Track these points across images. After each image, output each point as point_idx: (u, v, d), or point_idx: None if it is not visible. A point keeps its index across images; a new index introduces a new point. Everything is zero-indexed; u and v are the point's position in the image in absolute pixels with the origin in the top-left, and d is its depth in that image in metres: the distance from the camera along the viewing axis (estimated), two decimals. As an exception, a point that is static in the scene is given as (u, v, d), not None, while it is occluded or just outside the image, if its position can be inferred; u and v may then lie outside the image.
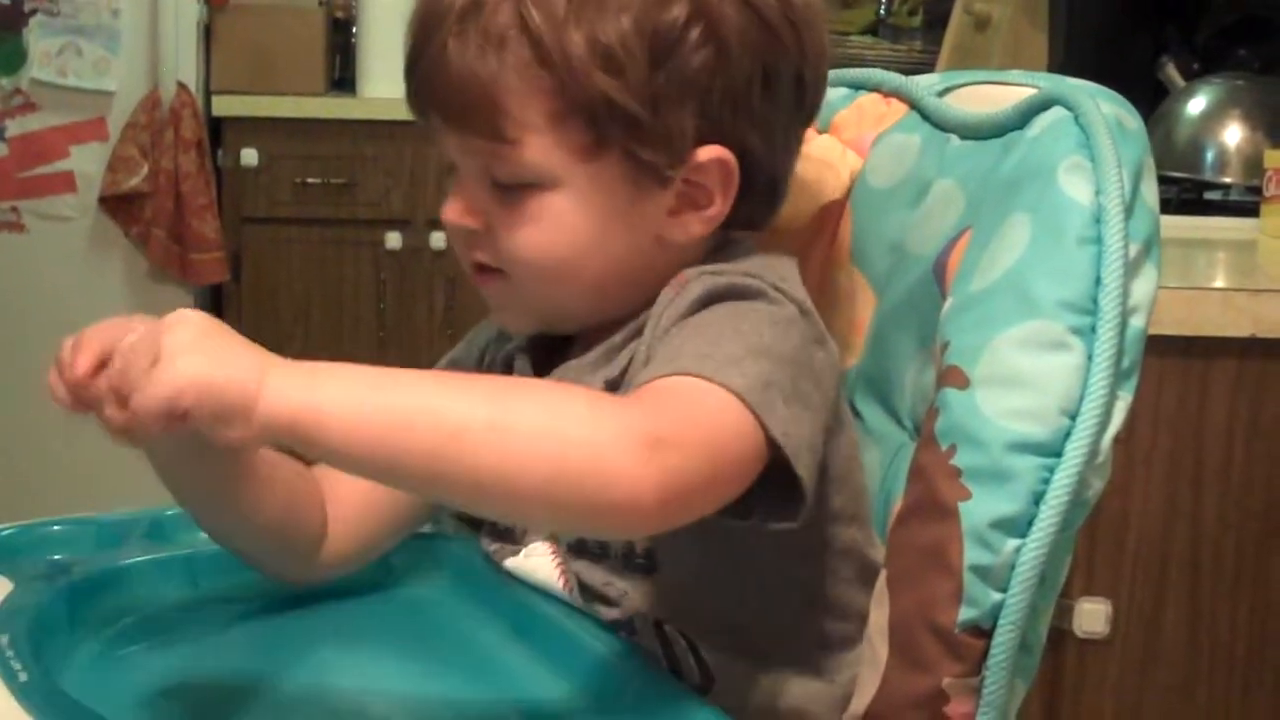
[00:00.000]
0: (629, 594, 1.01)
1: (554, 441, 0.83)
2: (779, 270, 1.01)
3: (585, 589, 1.02)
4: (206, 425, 0.80)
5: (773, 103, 1.03)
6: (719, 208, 1.03)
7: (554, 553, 1.04)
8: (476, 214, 1.01)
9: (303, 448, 0.82)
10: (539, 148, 0.98)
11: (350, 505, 1.08)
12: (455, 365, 1.15)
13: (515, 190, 0.99)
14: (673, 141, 1.00)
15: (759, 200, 1.05)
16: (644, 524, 0.87)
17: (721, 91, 1.00)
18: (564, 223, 1.00)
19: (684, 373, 0.89)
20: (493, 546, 1.10)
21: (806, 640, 1.03)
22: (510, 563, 1.06)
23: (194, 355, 0.80)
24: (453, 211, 1.02)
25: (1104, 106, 1.00)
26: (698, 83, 0.99)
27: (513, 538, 1.08)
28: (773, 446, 0.89)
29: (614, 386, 1.00)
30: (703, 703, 0.93)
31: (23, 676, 0.89)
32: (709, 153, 1.01)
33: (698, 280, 0.98)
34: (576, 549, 1.04)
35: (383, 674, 1.01)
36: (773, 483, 0.91)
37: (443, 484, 0.84)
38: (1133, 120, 1.02)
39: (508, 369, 1.09)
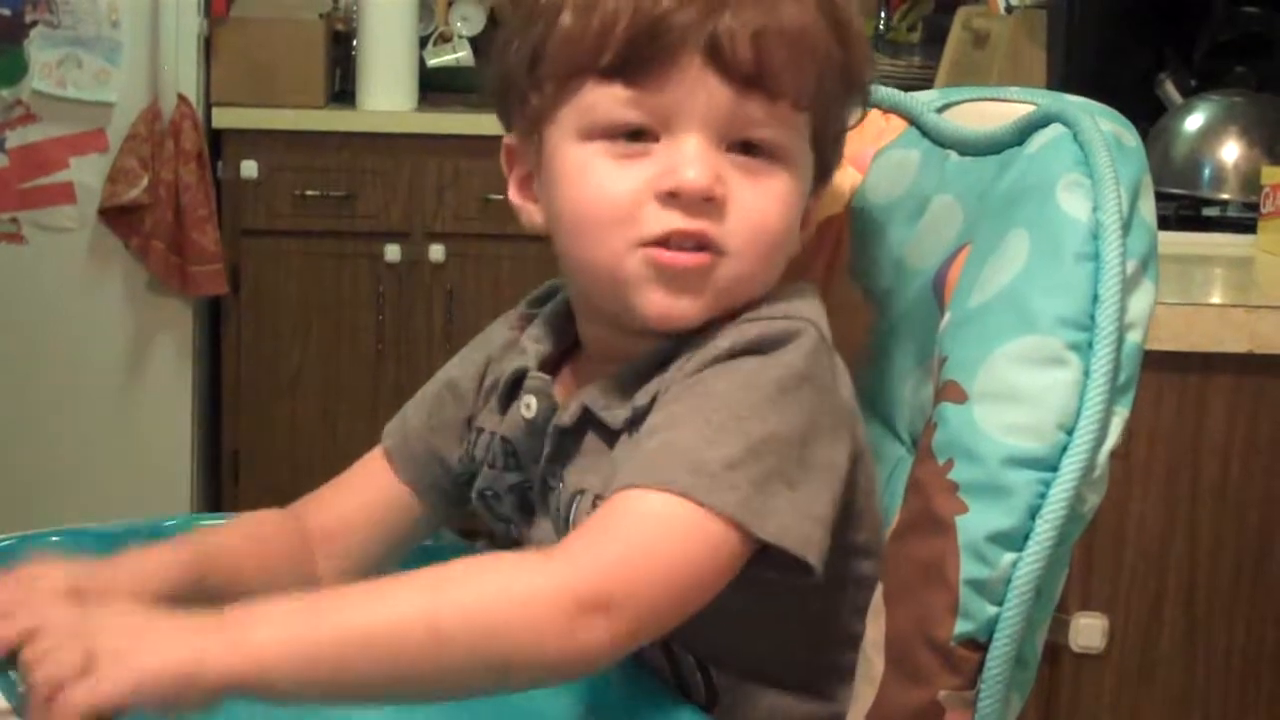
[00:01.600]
0: None
1: (492, 632, 0.85)
2: (807, 301, 1.02)
3: None
4: (156, 711, 0.81)
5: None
6: (811, 230, 1.07)
7: None
8: (723, 182, 0.97)
9: (259, 698, 0.83)
10: (805, 120, 1.00)
11: (341, 541, 1.11)
12: (453, 385, 1.14)
13: (755, 161, 0.98)
14: (840, 153, 1.06)
15: None
16: (600, 669, 0.89)
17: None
18: (795, 199, 1.01)
19: (666, 488, 0.90)
20: None
21: (817, 669, 1.03)
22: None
23: (128, 656, 0.80)
24: (702, 177, 0.96)
25: (1103, 124, 1.01)
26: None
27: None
28: (771, 545, 0.92)
29: (639, 419, 0.99)
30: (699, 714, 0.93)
31: (21, 687, 0.89)
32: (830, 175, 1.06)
33: (730, 332, 0.98)
34: None
35: None
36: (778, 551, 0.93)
37: (398, 694, 0.87)
38: (1131, 138, 1.02)
39: (516, 384, 1.07)
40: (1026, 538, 0.94)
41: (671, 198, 0.96)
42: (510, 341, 1.12)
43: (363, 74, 3.55)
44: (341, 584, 1.06)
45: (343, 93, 3.67)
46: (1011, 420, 0.95)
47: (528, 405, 1.05)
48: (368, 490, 1.14)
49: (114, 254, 3.41)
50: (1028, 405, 0.95)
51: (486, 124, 3.52)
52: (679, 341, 1.00)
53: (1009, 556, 0.94)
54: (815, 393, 0.96)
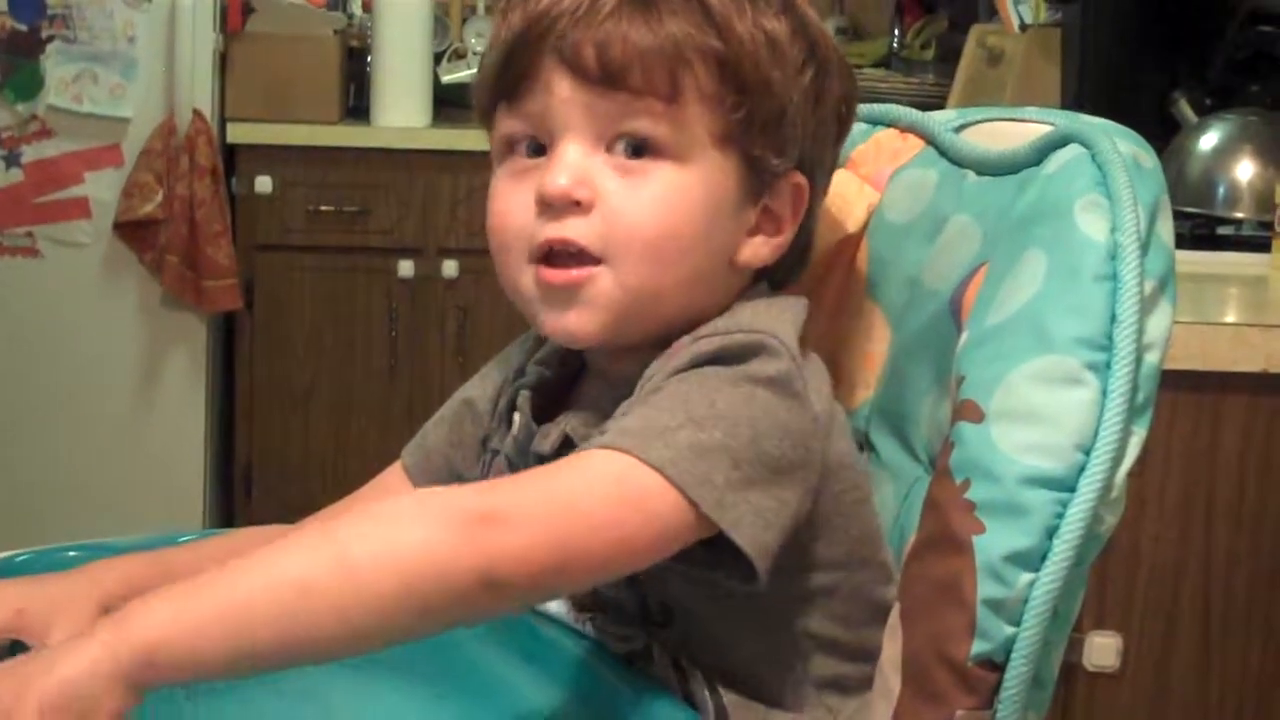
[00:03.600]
0: (647, 644, 1.02)
1: (395, 551, 0.83)
2: (776, 316, 1.01)
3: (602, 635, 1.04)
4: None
5: (839, 142, 1.08)
6: (785, 237, 1.05)
7: (569, 611, 1.05)
8: (587, 185, 0.99)
9: (170, 679, 0.81)
10: (690, 115, 0.99)
11: None
12: (470, 404, 1.15)
13: (640, 159, 0.99)
14: (785, 154, 1.03)
15: (797, 246, 1.07)
16: (500, 601, 0.86)
17: (818, 117, 1.04)
18: (685, 199, 1.00)
19: (614, 447, 0.90)
20: None
21: (821, 683, 1.03)
22: None
23: (25, 688, 0.78)
24: (562, 181, 0.98)
25: (1121, 145, 1.01)
26: (813, 101, 1.03)
27: None
28: (714, 521, 0.90)
29: None
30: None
31: None
32: (794, 176, 1.04)
33: (688, 349, 0.98)
34: (590, 605, 1.05)
35: (387, 694, 1.01)
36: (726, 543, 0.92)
37: (319, 645, 0.83)
38: (1149, 159, 1.02)
39: (510, 411, 1.08)
40: (1044, 558, 0.94)
41: (546, 206, 0.99)
42: (523, 366, 1.13)
43: (377, 90, 3.56)
44: None
45: (357, 108, 3.67)
46: (1029, 440, 0.95)
47: (515, 424, 1.07)
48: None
49: (128, 269, 3.41)
50: (1045, 425, 0.95)
51: (500, 140, 3.55)
52: (647, 361, 1.00)
53: (1026, 576, 0.94)
54: (778, 397, 0.96)
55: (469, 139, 3.54)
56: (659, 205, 0.99)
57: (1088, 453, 0.95)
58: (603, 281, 0.99)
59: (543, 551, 0.86)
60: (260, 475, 3.54)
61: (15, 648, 1.00)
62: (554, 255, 0.99)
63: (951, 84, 3.08)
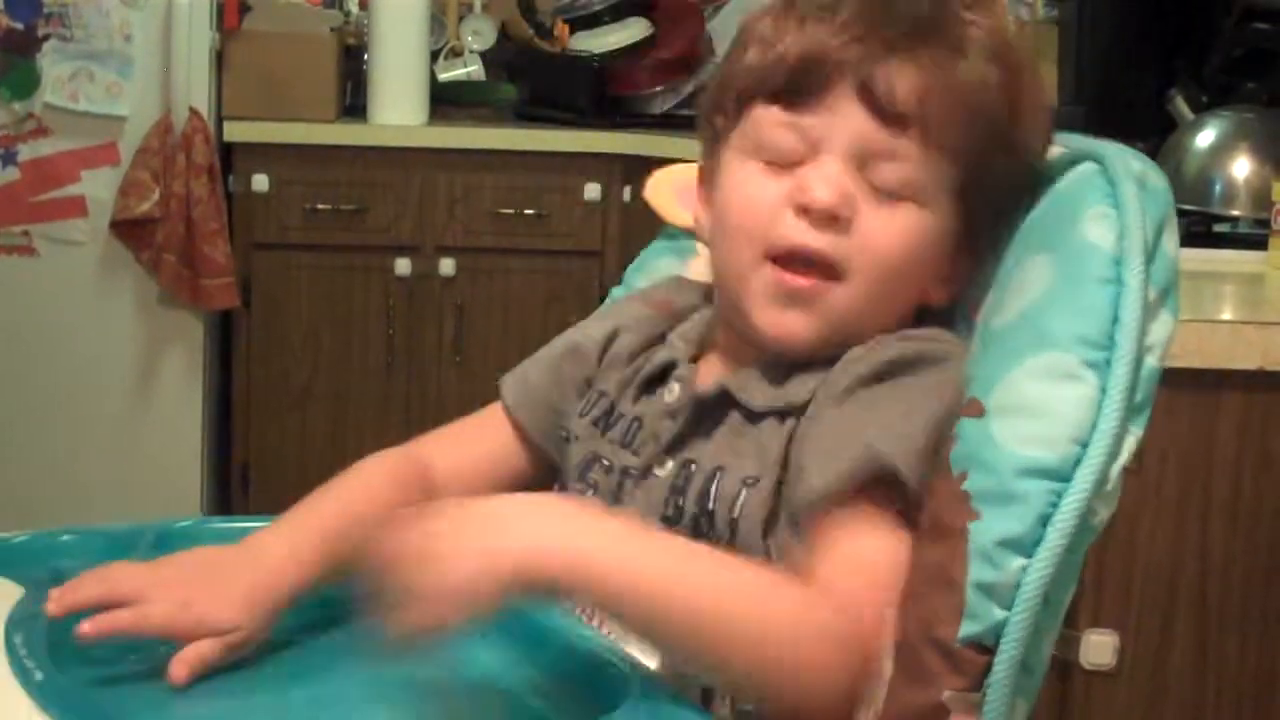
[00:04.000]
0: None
1: (790, 646, 0.93)
2: (951, 338, 1.07)
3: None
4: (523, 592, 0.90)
5: None
6: (960, 287, 1.10)
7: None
8: (850, 204, 1.04)
9: (567, 592, 0.92)
10: (947, 167, 1.05)
11: (463, 487, 1.17)
12: (575, 348, 1.20)
13: (888, 195, 1.04)
14: (1000, 216, 1.08)
15: None
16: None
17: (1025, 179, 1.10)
18: (924, 240, 1.06)
19: (856, 482, 0.98)
20: None
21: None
22: None
23: (509, 528, 0.90)
24: (829, 195, 1.03)
25: (1132, 163, 1.04)
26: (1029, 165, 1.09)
27: None
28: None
29: (790, 413, 1.05)
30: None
31: (38, 675, 0.90)
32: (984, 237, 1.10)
33: (894, 345, 1.04)
34: None
35: (390, 689, 1.01)
36: None
37: (676, 650, 0.95)
38: (1159, 179, 1.06)
39: (661, 374, 1.12)
40: (1037, 544, 0.96)
41: (803, 211, 1.04)
42: (644, 318, 1.18)
43: (374, 88, 3.56)
44: None
45: (354, 106, 3.67)
46: (1026, 432, 0.97)
47: (670, 391, 1.11)
48: (486, 440, 1.21)
49: (125, 267, 3.41)
50: (1043, 418, 0.97)
51: (497, 139, 3.55)
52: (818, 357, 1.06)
53: (1018, 561, 0.95)
54: (958, 394, 1.03)
55: (465, 137, 3.54)
56: (906, 240, 1.05)
57: (1084, 445, 0.97)
58: (837, 296, 1.05)
59: (856, 675, 0.96)
60: (257, 473, 3.54)
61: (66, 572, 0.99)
62: (793, 258, 1.05)
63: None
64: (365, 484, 1.15)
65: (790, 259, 1.05)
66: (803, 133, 1.05)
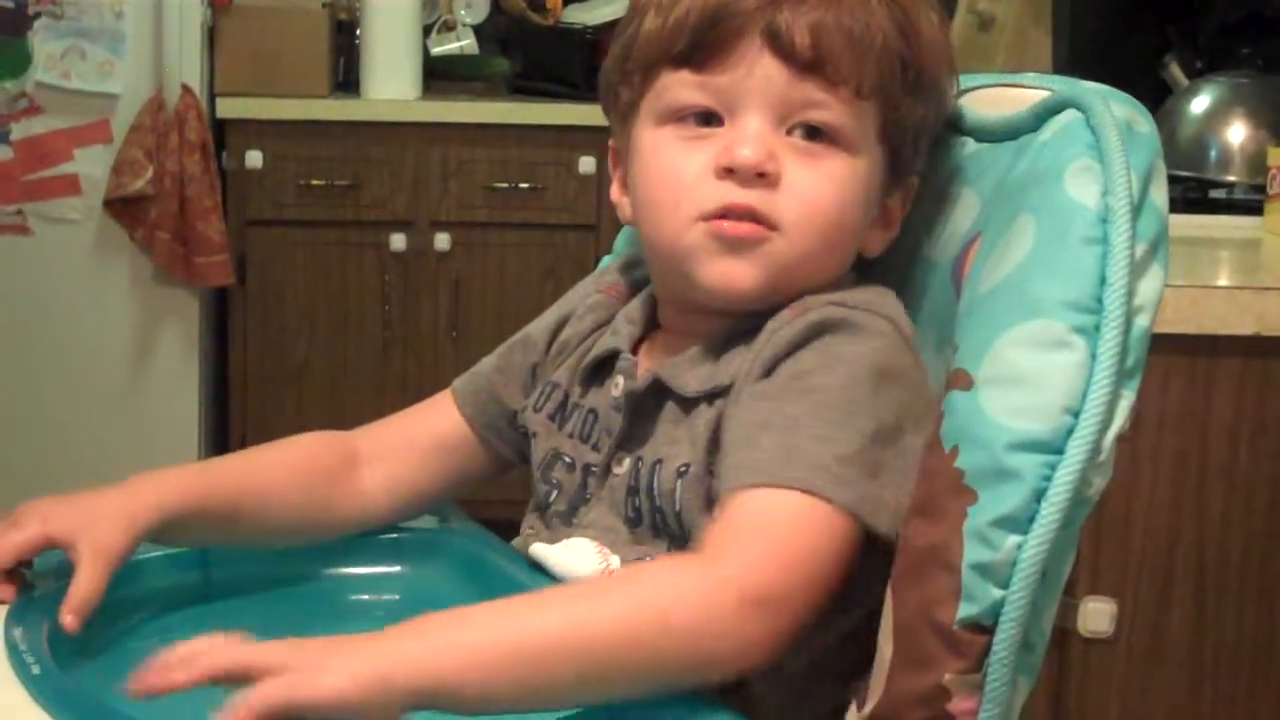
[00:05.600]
0: None
1: (674, 631, 0.89)
2: (889, 302, 1.05)
3: None
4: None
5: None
6: (893, 232, 1.10)
7: (599, 549, 1.06)
8: (775, 160, 1.02)
9: (445, 709, 0.86)
10: (869, 109, 1.04)
11: (391, 463, 1.16)
12: (525, 338, 1.19)
13: (814, 144, 1.03)
14: (920, 152, 1.08)
15: None
16: (756, 665, 0.93)
17: (942, 117, 1.09)
18: (854, 187, 1.04)
19: (795, 487, 0.94)
20: (530, 527, 1.13)
21: (852, 657, 1.03)
22: (539, 548, 1.08)
23: (324, 665, 0.83)
24: (751, 153, 1.01)
25: (1116, 109, 1.01)
26: (947, 103, 1.09)
27: (554, 523, 1.11)
28: (874, 532, 0.97)
29: (719, 394, 1.03)
30: (711, 703, 0.93)
31: (35, 669, 0.90)
32: (914, 179, 1.09)
33: (820, 308, 1.02)
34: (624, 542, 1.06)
35: None
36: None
37: (583, 697, 0.90)
38: (1145, 123, 1.02)
39: (607, 363, 1.10)
40: (1031, 520, 0.94)
41: (727, 173, 1.02)
42: (595, 304, 1.16)
43: (366, 63, 3.55)
44: (387, 501, 1.16)
45: (347, 82, 3.66)
46: (1016, 404, 0.95)
47: (616, 384, 1.09)
48: (426, 420, 1.20)
49: (119, 245, 3.41)
50: (1032, 388, 0.95)
51: (491, 113, 3.55)
52: (749, 319, 1.04)
53: (1013, 539, 0.94)
54: (906, 387, 1.01)
55: (459, 111, 3.53)
56: (834, 190, 1.03)
57: (1076, 415, 0.94)
58: (776, 243, 1.03)
59: (791, 626, 0.92)
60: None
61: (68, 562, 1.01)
62: (726, 214, 1.03)
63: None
64: (279, 449, 1.16)
65: (724, 215, 1.03)
66: (716, 93, 1.03)
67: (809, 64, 1.01)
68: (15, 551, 1.02)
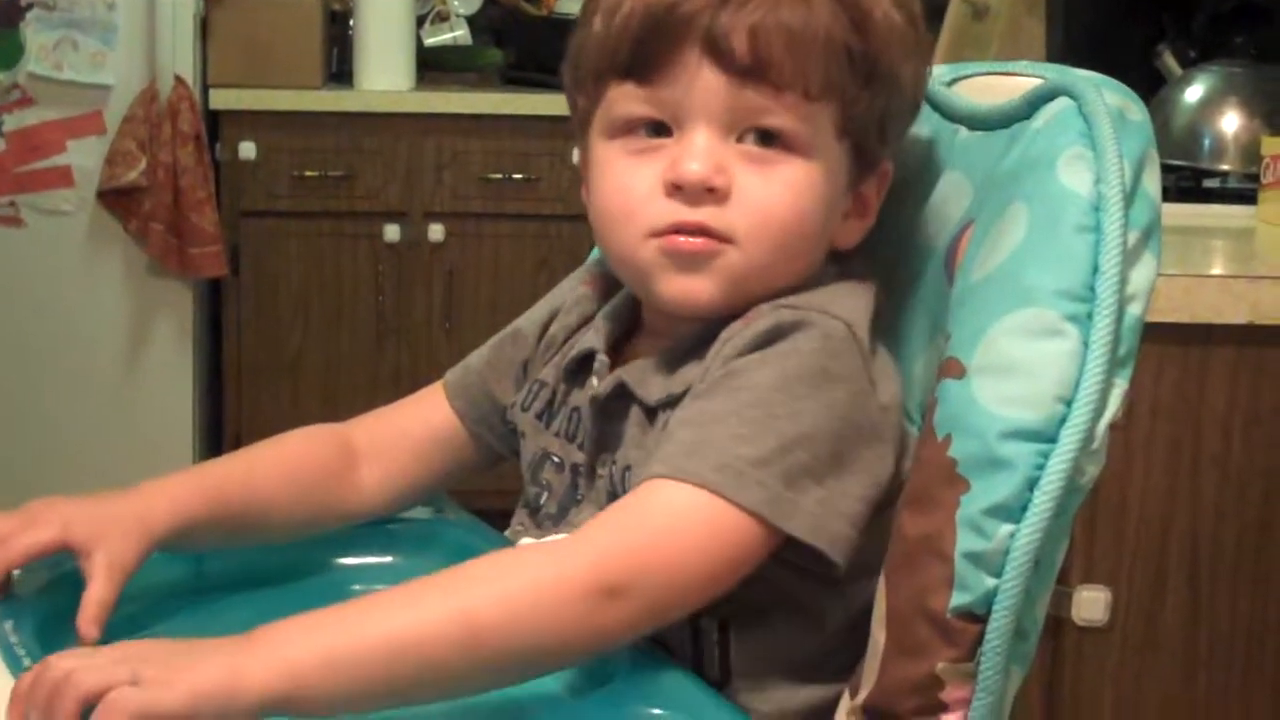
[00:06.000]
0: None
1: (521, 621, 0.88)
2: (858, 308, 1.03)
3: None
4: None
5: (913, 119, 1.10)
6: (870, 219, 1.08)
7: None
8: (724, 173, 1.00)
9: (297, 714, 0.85)
10: (822, 109, 1.01)
11: (387, 458, 1.17)
12: (516, 332, 1.18)
13: (767, 151, 1.01)
14: (888, 141, 1.06)
15: None
16: (617, 647, 0.93)
17: (913, 102, 1.07)
18: (811, 192, 1.02)
19: (701, 485, 0.93)
20: (520, 524, 1.13)
21: (837, 648, 1.03)
22: (527, 542, 1.07)
23: (173, 677, 0.82)
24: (698, 168, 0.99)
25: (1108, 97, 1.01)
26: (914, 88, 1.06)
27: (545, 524, 1.11)
28: (796, 539, 0.94)
29: (674, 403, 1.02)
30: (699, 683, 0.94)
31: (26, 662, 0.90)
32: (885, 162, 1.07)
33: (770, 314, 1.01)
34: None
35: None
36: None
37: (435, 695, 0.89)
38: (1137, 111, 1.02)
39: (586, 361, 1.09)
40: (1024, 509, 0.94)
41: (676, 189, 1.00)
42: (581, 298, 1.15)
43: (360, 54, 3.54)
44: (384, 497, 1.16)
45: (340, 73, 3.66)
46: (1009, 392, 0.95)
47: (592, 385, 1.08)
48: (419, 415, 1.19)
49: (113, 237, 3.40)
50: (1025, 377, 0.95)
51: (484, 103, 3.54)
52: (716, 325, 1.02)
53: (1006, 528, 0.94)
54: (850, 393, 0.99)
55: (453, 102, 3.53)
56: (789, 197, 1.01)
57: (1068, 404, 0.94)
58: (730, 256, 1.01)
59: (649, 617, 0.92)
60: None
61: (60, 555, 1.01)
62: (678, 231, 1.01)
63: (937, 39, 3.06)
64: (280, 448, 1.17)
65: (675, 232, 1.01)
66: (661, 105, 1.01)
67: (749, 70, 0.99)
68: (32, 552, 1.01)
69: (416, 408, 1.20)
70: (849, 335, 1.00)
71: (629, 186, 1.02)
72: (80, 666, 0.82)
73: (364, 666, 0.86)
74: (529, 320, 1.18)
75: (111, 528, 1.02)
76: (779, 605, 1.01)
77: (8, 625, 0.95)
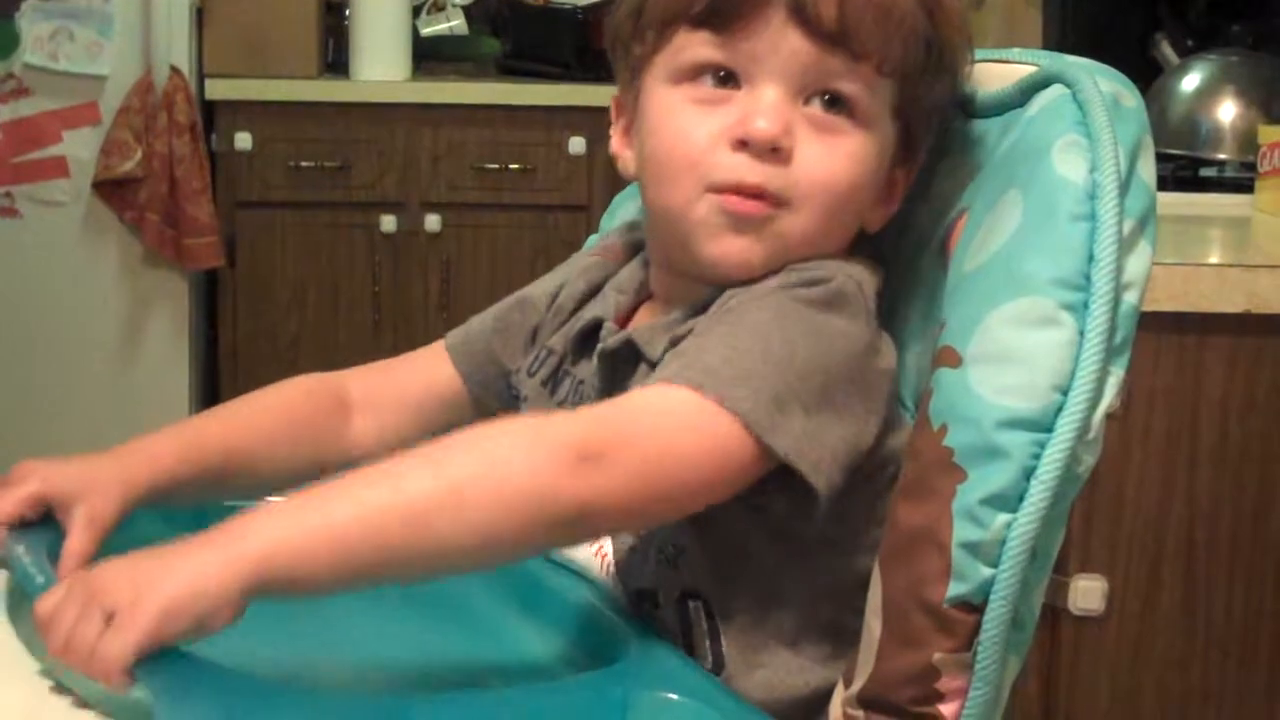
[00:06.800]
0: (658, 573, 1.03)
1: (503, 480, 0.87)
2: (865, 275, 1.03)
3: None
4: (191, 636, 0.83)
5: None
6: (894, 209, 1.08)
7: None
8: (790, 135, 1.00)
9: (283, 595, 0.85)
10: (888, 87, 1.02)
11: (381, 412, 1.17)
12: (524, 299, 1.18)
13: (832, 118, 1.01)
14: (933, 130, 1.06)
15: None
16: (604, 525, 0.94)
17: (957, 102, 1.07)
18: (866, 165, 1.02)
19: (686, 382, 0.92)
20: None
21: (822, 630, 1.03)
22: None
23: (142, 598, 0.82)
24: (768, 126, 0.99)
25: (1102, 84, 1.01)
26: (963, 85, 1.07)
27: None
28: (781, 459, 0.93)
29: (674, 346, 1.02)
30: (701, 670, 0.94)
31: (39, 579, 0.92)
32: (922, 154, 1.07)
33: (777, 277, 1.01)
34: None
35: (380, 628, 1.02)
36: (791, 475, 0.94)
37: (422, 565, 0.88)
38: (1132, 98, 1.02)
39: (594, 330, 1.09)
40: (1021, 499, 0.94)
41: (741, 145, 1.00)
42: (589, 266, 1.16)
43: (356, 44, 3.53)
44: (375, 449, 1.15)
45: (336, 63, 3.65)
46: (1005, 382, 0.95)
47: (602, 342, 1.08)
48: (419, 372, 1.20)
49: (108, 227, 3.40)
50: (1021, 366, 0.95)
51: (481, 93, 3.54)
52: (727, 293, 1.02)
53: (1003, 518, 0.94)
54: (849, 341, 0.98)
55: (449, 92, 3.52)
56: (848, 168, 1.02)
57: (1065, 393, 0.94)
58: (784, 221, 1.01)
59: (635, 493, 0.90)
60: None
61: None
62: (737, 192, 1.01)
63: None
64: (267, 399, 1.17)
65: (734, 189, 1.01)
66: (735, 58, 1.01)
67: (834, 37, 0.99)
68: (14, 507, 1.02)
69: (414, 365, 1.20)
70: (859, 291, 1.01)
71: (691, 135, 1.02)
72: (53, 627, 0.82)
73: (348, 540, 0.85)
74: (538, 288, 1.18)
75: (91, 485, 1.03)
76: (761, 576, 1.01)
77: (19, 549, 0.97)
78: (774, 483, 0.95)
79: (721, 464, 0.93)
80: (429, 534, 0.86)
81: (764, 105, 1.00)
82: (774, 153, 1.00)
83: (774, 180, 1.00)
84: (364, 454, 1.16)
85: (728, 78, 1.02)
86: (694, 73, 1.02)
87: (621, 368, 1.06)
